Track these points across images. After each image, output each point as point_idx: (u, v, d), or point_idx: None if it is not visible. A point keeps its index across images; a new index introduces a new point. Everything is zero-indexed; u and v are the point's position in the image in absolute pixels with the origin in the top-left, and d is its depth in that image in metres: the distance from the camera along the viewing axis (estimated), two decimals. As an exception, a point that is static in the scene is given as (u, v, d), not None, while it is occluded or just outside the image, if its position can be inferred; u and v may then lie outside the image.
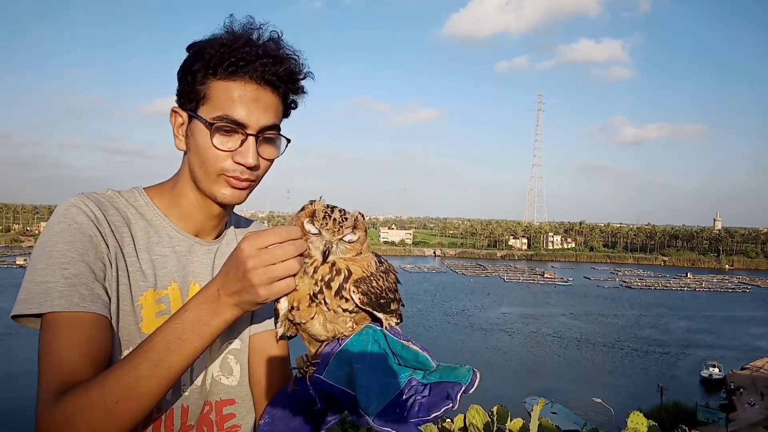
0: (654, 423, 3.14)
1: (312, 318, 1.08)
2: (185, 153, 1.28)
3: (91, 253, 1.12)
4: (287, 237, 0.98)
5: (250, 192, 1.27)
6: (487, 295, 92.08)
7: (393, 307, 1.11)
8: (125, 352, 1.15)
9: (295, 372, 1.17)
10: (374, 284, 1.07)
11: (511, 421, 3.39)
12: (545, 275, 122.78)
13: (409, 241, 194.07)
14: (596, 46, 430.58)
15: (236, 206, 1.37)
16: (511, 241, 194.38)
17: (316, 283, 1.05)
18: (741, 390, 40.78)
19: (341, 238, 1.05)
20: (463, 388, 1.04)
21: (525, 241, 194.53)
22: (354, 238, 1.06)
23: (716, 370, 45.48)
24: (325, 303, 1.06)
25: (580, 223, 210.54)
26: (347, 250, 1.06)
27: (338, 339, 1.10)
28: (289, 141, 1.28)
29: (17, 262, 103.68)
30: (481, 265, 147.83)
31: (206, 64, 1.18)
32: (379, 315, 1.09)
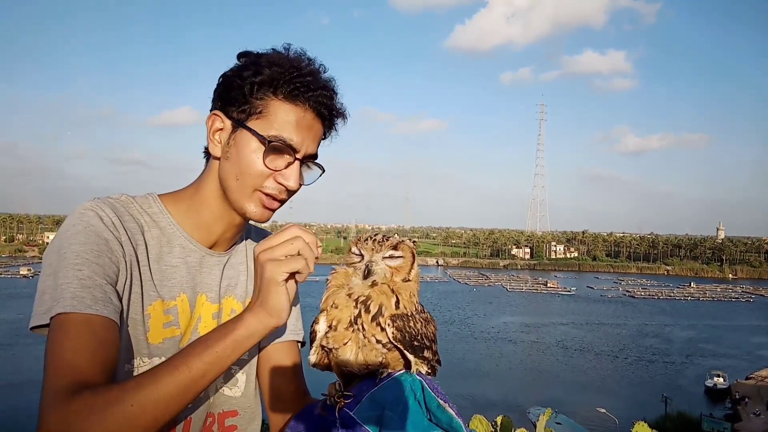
0: (658, 433, 3.14)
1: (345, 344, 1.08)
2: (210, 158, 1.28)
3: (105, 257, 1.10)
4: (299, 233, 1.08)
5: (275, 212, 1.28)
6: (489, 304, 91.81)
7: (426, 354, 1.10)
8: (135, 361, 1.16)
9: (325, 398, 1.14)
10: (411, 324, 1.06)
11: (515, 431, 3.39)
12: (548, 284, 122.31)
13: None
14: (600, 57, 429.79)
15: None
16: (514, 251, 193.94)
17: (355, 305, 1.06)
18: (746, 400, 40.52)
19: (382, 257, 1.07)
20: None
21: (528, 250, 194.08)
22: (396, 256, 1.08)
23: (721, 379, 45.23)
24: (363, 329, 1.06)
25: (583, 232, 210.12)
26: (391, 271, 1.08)
27: (376, 378, 1.08)
28: (323, 171, 1.31)
29: (21, 272, 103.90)
30: (483, 274, 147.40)
31: (270, 81, 1.18)
32: (410, 356, 1.07)
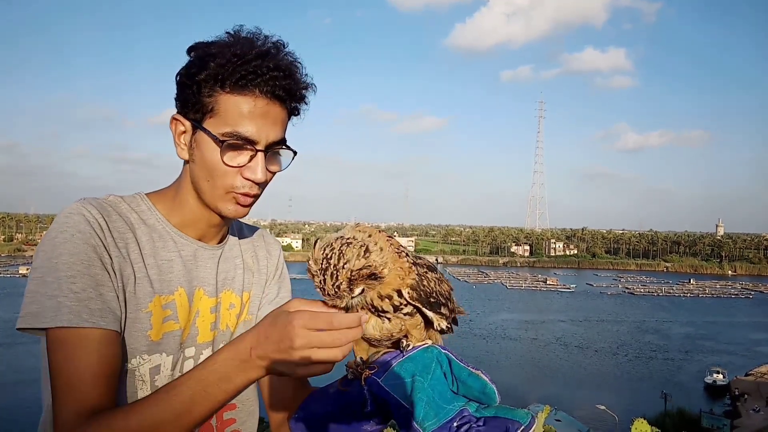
0: (658, 430, 3.12)
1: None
2: (185, 161, 1.25)
3: (96, 265, 1.09)
4: (340, 326, 0.94)
5: (251, 207, 1.25)
6: (488, 302, 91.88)
7: (443, 311, 1.08)
8: (132, 361, 1.15)
9: (347, 372, 1.12)
10: (424, 283, 1.05)
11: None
12: (548, 282, 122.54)
13: (411, 248, 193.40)
14: (600, 54, 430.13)
15: None
16: (514, 248, 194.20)
17: (374, 313, 1.03)
18: (745, 396, 40.60)
19: (350, 298, 0.98)
20: (522, 428, 0.99)
21: (527, 247, 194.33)
22: (358, 291, 0.98)
23: (720, 376, 45.38)
24: (389, 319, 1.04)
25: (582, 229, 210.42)
26: (366, 296, 1.00)
27: (401, 349, 1.07)
28: (295, 153, 1.26)
29: (20, 272, 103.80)
30: (483, 272, 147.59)
31: (214, 76, 1.13)
32: (429, 313, 1.05)
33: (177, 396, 1.00)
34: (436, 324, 1.07)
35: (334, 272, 0.95)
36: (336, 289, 0.95)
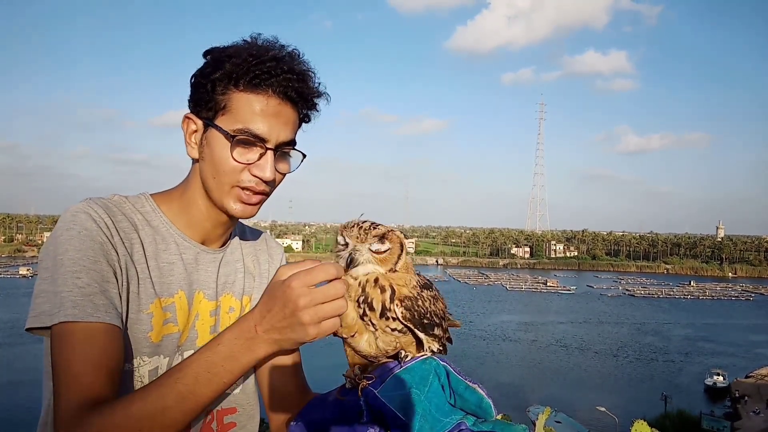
0: (658, 432, 3.12)
1: (353, 335, 1.08)
2: (194, 161, 1.26)
3: (102, 261, 1.10)
4: (337, 274, 0.99)
5: (260, 207, 1.26)
6: (489, 303, 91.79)
7: (436, 332, 1.09)
8: (135, 361, 1.16)
9: (345, 382, 1.14)
10: (419, 303, 1.05)
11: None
12: (548, 283, 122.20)
13: (412, 250, 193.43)
14: (601, 57, 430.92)
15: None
16: (514, 250, 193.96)
17: (358, 305, 1.04)
18: (746, 398, 40.53)
19: (368, 247, 1.04)
20: None
21: (527, 249, 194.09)
22: (382, 248, 1.04)
23: (721, 378, 45.21)
24: (373, 325, 1.05)
25: (583, 231, 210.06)
26: (376, 260, 1.04)
27: (399, 360, 1.09)
28: (305, 156, 1.27)
29: (20, 272, 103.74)
30: (483, 273, 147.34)
31: (229, 74, 1.16)
32: (421, 335, 1.06)
33: (180, 379, 1.01)
34: (426, 346, 1.09)
35: (376, 224, 1.05)
36: (371, 228, 1.02)
